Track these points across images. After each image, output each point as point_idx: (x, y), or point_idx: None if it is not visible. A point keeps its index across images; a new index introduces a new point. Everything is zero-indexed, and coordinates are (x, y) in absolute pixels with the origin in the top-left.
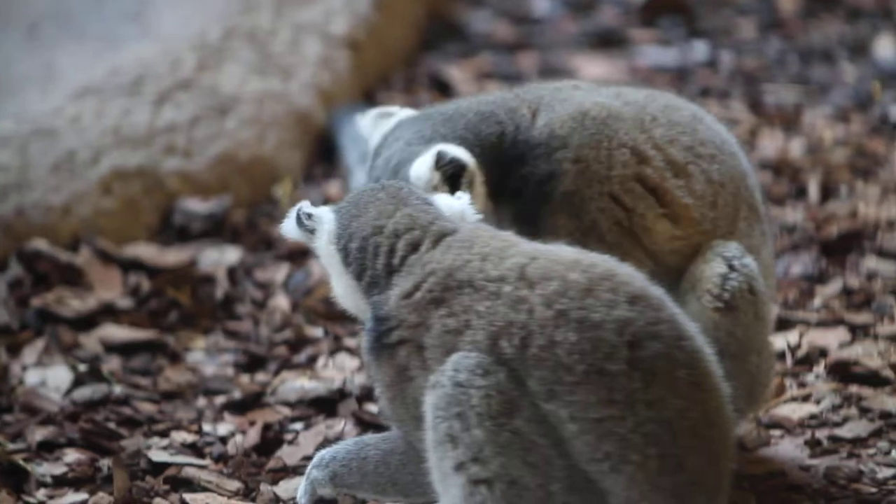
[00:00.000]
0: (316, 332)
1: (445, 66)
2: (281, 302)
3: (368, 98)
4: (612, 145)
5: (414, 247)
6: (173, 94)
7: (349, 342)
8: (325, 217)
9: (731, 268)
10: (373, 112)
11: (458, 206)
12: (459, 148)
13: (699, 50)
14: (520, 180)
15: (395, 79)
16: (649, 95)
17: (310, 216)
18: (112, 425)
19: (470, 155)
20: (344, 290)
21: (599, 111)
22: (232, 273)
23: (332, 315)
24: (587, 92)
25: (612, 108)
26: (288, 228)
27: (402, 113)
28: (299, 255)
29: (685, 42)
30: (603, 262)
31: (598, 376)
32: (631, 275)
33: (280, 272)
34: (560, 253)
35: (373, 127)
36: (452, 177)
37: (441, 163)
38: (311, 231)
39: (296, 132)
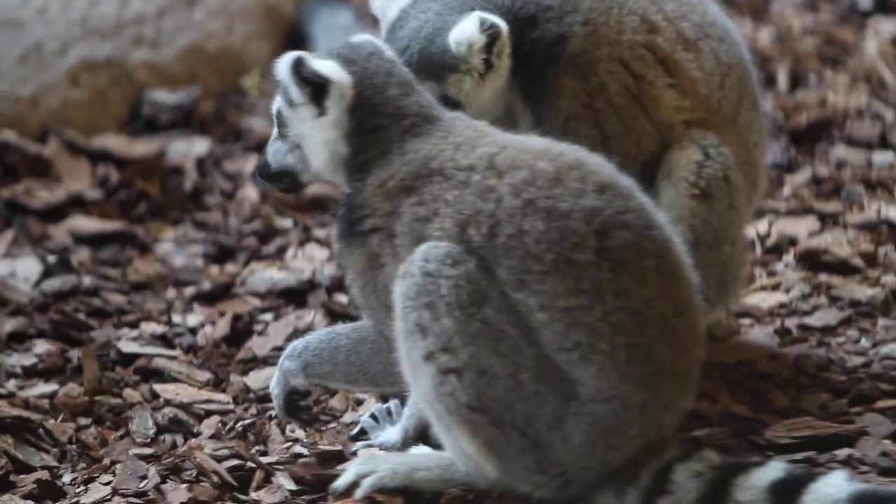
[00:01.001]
0: (285, 222)
1: None
2: (250, 193)
3: None
4: (623, 12)
5: (402, 134)
6: None
7: (318, 233)
8: (343, 81)
9: (707, 155)
10: None
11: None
12: (494, 15)
13: None
14: (530, 44)
15: None
16: None
17: (320, 76)
18: (82, 316)
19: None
20: (327, 157)
21: None
22: (200, 164)
23: (302, 206)
24: None
25: None
26: (282, 71)
27: None
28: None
29: None
30: (572, 151)
31: (567, 265)
32: (600, 164)
33: (249, 163)
34: (530, 142)
35: (387, 1)
36: (487, 44)
37: (483, 27)
38: (314, 88)
39: (264, 23)
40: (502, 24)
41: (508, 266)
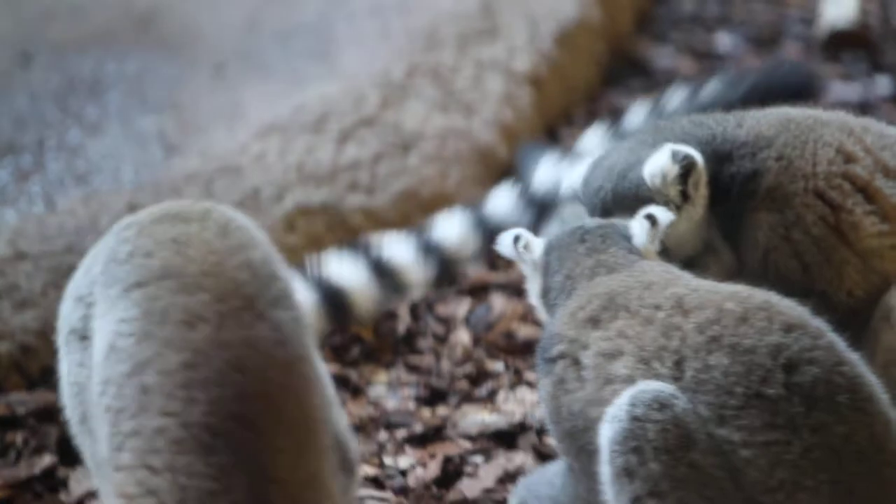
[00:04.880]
0: (497, 366)
1: (628, 101)
2: (462, 336)
3: (551, 134)
4: (818, 145)
5: (592, 276)
6: (357, 130)
7: (529, 376)
8: (536, 248)
9: None
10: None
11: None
12: (688, 147)
13: (882, 84)
14: (727, 179)
15: (577, 114)
16: (857, 116)
17: (525, 246)
18: None
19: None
20: (538, 306)
21: (805, 117)
22: (414, 308)
23: (513, 349)
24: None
25: (818, 116)
26: (504, 244)
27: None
28: (481, 290)
29: (868, 77)
30: (762, 294)
31: (758, 400)
32: (789, 306)
33: (461, 307)
34: (721, 287)
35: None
36: (683, 175)
37: (676, 158)
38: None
39: (478, 168)
40: (696, 155)
41: (705, 402)
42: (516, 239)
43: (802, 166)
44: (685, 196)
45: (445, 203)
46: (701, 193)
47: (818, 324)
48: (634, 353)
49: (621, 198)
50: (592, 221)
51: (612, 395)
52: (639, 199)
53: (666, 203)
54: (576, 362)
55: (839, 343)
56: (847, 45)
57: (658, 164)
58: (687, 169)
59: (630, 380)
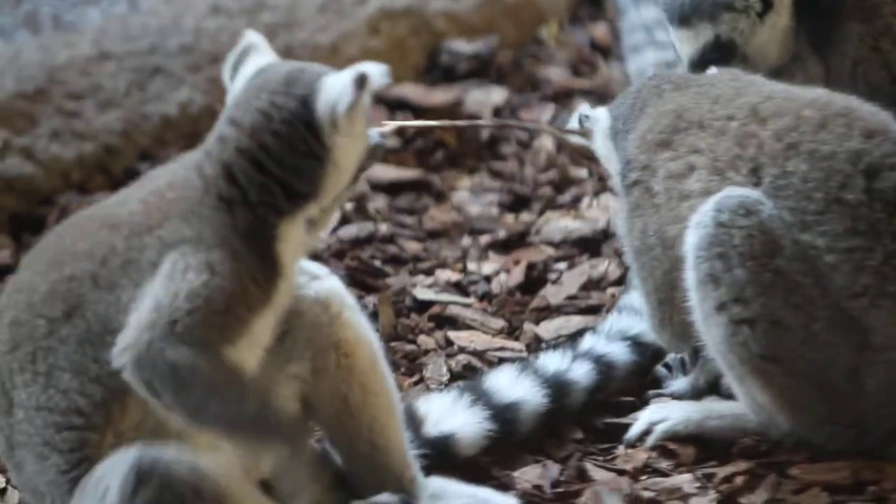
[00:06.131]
0: (580, 172)
1: None
2: (546, 142)
3: None
4: None
5: (659, 93)
6: None
7: (613, 183)
8: (601, 116)
9: None
10: None
11: None
12: None
13: None
14: None
15: None
16: None
17: (587, 117)
18: (378, 263)
19: None
20: (601, 139)
21: None
22: (497, 113)
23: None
24: None
25: None
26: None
27: None
28: (564, 95)
29: None
30: (842, 100)
31: (839, 205)
32: (871, 111)
33: (545, 113)
34: (800, 92)
35: None
36: None
37: None
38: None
39: None
40: None
41: (787, 207)
42: (581, 120)
43: None
44: (767, 3)
45: (529, 8)
46: (784, 2)
47: None
48: (708, 166)
49: (699, 2)
50: None
51: (689, 210)
52: (716, 5)
53: (745, 9)
54: (648, 189)
55: None
56: None
57: None
58: None
59: (705, 193)
